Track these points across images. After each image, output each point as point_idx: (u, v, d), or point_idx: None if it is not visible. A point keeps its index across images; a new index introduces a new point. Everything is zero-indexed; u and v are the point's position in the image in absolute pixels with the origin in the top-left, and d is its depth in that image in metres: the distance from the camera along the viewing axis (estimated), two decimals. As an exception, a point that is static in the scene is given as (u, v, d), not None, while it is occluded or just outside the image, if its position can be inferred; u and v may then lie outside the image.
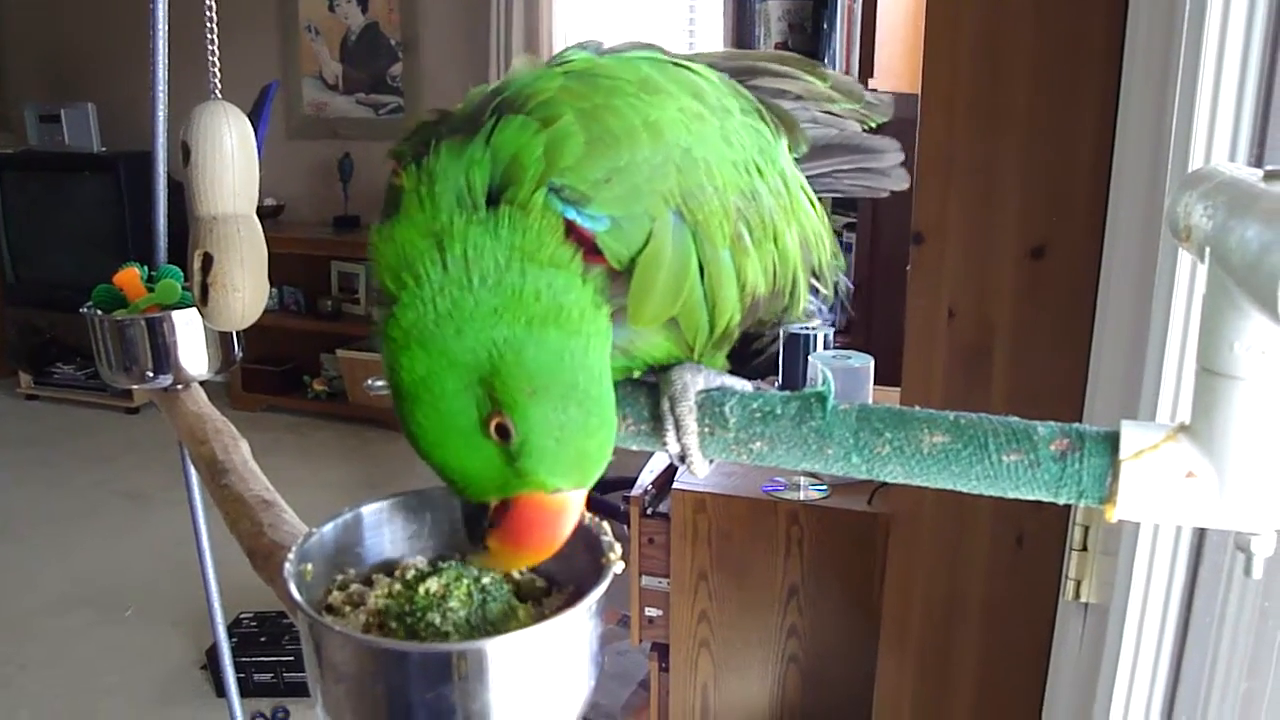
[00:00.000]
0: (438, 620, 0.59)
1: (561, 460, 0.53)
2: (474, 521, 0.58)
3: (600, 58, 0.62)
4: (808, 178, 0.72)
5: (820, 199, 0.74)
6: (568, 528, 0.56)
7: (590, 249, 0.55)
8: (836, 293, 0.75)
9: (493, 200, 0.54)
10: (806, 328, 0.77)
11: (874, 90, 0.80)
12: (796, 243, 0.66)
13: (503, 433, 0.52)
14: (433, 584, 0.61)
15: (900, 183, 0.83)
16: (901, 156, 0.81)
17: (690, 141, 0.58)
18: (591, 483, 0.56)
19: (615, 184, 0.54)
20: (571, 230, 0.54)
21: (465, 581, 0.62)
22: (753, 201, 0.61)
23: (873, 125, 0.82)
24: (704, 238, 0.58)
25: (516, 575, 0.67)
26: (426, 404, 0.54)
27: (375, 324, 0.57)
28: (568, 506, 0.55)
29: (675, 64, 0.63)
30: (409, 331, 0.53)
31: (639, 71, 0.59)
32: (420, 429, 0.54)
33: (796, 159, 0.72)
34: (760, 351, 0.75)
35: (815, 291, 0.71)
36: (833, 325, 0.77)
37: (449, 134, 0.56)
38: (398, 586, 0.63)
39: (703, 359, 0.64)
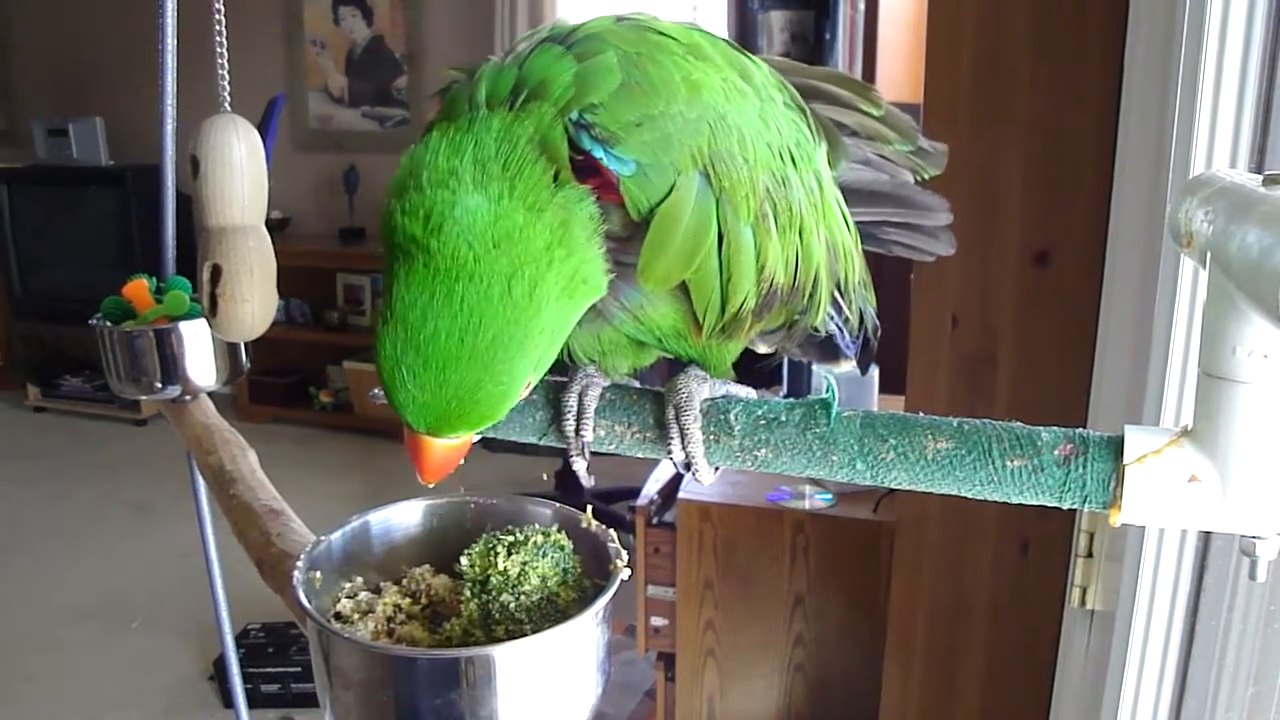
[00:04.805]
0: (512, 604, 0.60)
1: (406, 403, 0.50)
2: None
3: (658, 19, 0.61)
4: (855, 223, 0.70)
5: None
6: (436, 465, 0.54)
7: (611, 193, 0.54)
8: (863, 323, 0.72)
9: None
10: (830, 371, 0.74)
11: (923, 131, 0.77)
12: (823, 246, 0.64)
13: None
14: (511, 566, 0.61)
15: (948, 247, 0.78)
16: (950, 218, 0.77)
17: (727, 110, 0.57)
18: (457, 436, 0.53)
19: (646, 129, 0.53)
20: (597, 173, 0.53)
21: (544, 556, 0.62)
22: (782, 187, 0.60)
23: (924, 177, 0.78)
24: (728, 206, 0.56)
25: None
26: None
27: None
28: (428, 449, 0.53)
29: (729, 43, 0.63)
30: (385, 225, 0.53)
31: (691, 37, 0.59)
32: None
33: (836, 180, 0.69)
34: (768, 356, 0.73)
35: (837, 308, 0.69)
36: (854, 356, 0.74)
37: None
38: (478, 550, 0.63)
39: (709, 350, 0.64)
